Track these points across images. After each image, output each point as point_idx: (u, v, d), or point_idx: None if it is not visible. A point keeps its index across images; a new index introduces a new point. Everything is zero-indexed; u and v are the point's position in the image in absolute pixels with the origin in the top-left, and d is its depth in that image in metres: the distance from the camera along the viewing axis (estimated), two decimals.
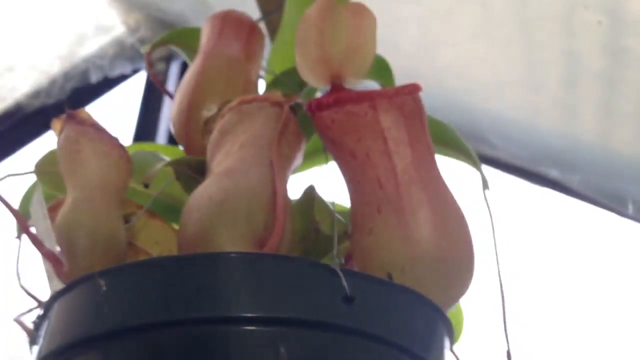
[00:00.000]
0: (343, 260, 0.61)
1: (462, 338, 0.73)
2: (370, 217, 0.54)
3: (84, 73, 1.73)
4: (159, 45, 0.83)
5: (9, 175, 0.66)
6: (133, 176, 0.58)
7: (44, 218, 0.58)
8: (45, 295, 0.67)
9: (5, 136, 1.83)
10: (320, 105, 0.56)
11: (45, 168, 0.70)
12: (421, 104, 0.56)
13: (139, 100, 1.75)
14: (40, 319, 0.53)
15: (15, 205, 0.76)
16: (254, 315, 0.45)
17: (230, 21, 0.72)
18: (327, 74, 0.58)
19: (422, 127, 0.56)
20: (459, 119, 1.37)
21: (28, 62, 1.75)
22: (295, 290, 0.46)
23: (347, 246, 0.61)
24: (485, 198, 0.66)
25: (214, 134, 0.58)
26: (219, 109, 0.61)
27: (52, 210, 0.62)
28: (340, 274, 0.46)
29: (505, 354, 0.56)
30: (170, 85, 1.70)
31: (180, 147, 0.75)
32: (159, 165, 0.59)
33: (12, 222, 0.77)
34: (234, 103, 0.58)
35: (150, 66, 0.81)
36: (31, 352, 0.55)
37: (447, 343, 0.54)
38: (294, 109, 0.62)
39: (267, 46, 0.80)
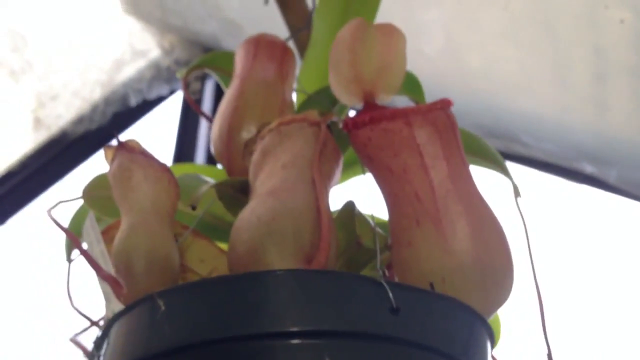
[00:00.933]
0: (383, 272, 0.63)
1: (500, 343, 0.75)
2: (409, 230, 0.56)
3: (124, 97, 1.78)
4: (194, 70, 0.85)
5: (60, 202, 0.68)
6: (180, 199, 0.60)
7: (98, 242, 0.60)
8: (96, 315, 0.70)
9: (53, 163, 1.88)
10: (356, 124, 0.58)
11: (93, 193, 0.72)
12: (453, 119, 0.58)
13: (177, 120, 1.79)
14: (101, 339, 0.55)
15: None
16: (303, 329, 0.47)
17: (263, 45, 0.74)
18: (360, 92, 0.60)
19: (456, 141, 0.58)
20: (490, 121, 1.38)
21: (70, 90, 1.80)
22: (343, 303, 0.48)
23: (387, 257, 0.63)
24: (518, 205, 0.68)
25: (256, 155, 0.60)
26: (258, 131, 0.63)
27: (104, 234, 0.64)
28: (387, 286, 0.48)
29: (547, 358, 0.58)
30: (206, 104, 1.73)
31: (220, 167, 0.77)
32: (205, 188, 0.62)
33: (57, 247, 0.80)
34: (273, 125, 0.61)
35: (186, 90, 0.83)
36: None
37: (489, 349, 0.56)
38: (330, 126, 0.64)
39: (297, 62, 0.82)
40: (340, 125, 0.63)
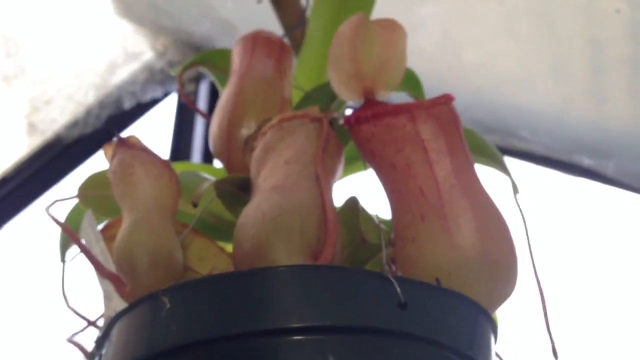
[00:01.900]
0: (389, 267, 0.62)
1: (500, 338, 0.74)
2: (414, 225, 0.54)
3: (118, 100, 1.76)
4: (189, 68, 0.84)
5: (57, 201, 0.66)
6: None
7: (98, 240, 0.59)
8: (92, 315, 0.68)
9: (48, 167, 1.86)
10: (358, 119, 0.57)
11: (88, 192, 0.71)
12: (456, 114, 0.57)
13: (172, 122, 1.78)
14: (102, 338, 0.54)
15: (58, 231, 0.78)
16: (310, 325, 0.46)
17: (260, 41, 0.73)
18: (360, 88, 0.59)
19: (459, 136, 0.56)
20: (487, 115, 1.37)
21: (64, 94, 1.79)
22: (351, 299, 0.47)
23: (389, 253, 0.62)
24: (517, 201, 0.67)
25: (257, 152, 0.59)
26: (259, 127, 0.62)
27: (103, 232, 0.63)
28: (394, 281, 0.47)
29: (552, 352, 0.56)
30: (200, 105, 1.72)
31: (217, 165, 0.76)
32: (206, 185, 0.60)
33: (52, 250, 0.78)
34: (274, 121, 0.59)
35: (181, 87, 0.82)
36: None
37: (493, 343, 0.55)
38: (331, 122, 0.63)
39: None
40: (341, 121, 0.62)
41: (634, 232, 1.45)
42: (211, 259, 0.67)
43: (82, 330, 0.70)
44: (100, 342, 0.54)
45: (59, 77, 1.82)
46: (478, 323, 0.52)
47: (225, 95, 0.70)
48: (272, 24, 1.04)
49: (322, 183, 0.52)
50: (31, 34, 1.75)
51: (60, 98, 1.83)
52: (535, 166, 1.49)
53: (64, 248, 0.77)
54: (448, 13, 1.28)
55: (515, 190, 0.70)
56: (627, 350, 1.35)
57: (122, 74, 1.78)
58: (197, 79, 1.73)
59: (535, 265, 0.61)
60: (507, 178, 0.72)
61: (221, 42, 1.59)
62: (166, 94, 1.78)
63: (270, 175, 0.55)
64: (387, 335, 0.47)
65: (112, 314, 0.54)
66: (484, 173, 0.71)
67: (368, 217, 0.60)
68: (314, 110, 0.60)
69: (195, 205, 0.58)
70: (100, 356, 0.54)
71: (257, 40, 0.73)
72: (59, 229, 0.75)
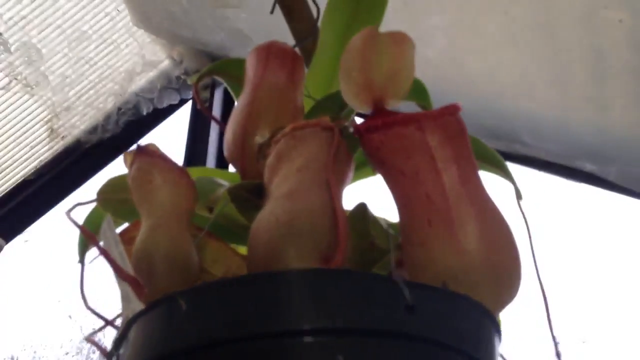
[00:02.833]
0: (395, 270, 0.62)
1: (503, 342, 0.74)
2: (421, 230, 0.55)
3: (136, 107, 1.77)
4: (205, 77, 0.84)
5: (78, 205, 0.67)
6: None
7: (117, 243, 0.59)
8: (110, 315, 0.68)
9: (68, 171, 1.88)
10: (368, 128, 0.57)
11: (108, 195, 0.71)
12: (463, 123, 0.57)
13: (187, 128, 1.79)
14: (120, 338, 0.54)
15: (77, 233, 0.78)
16: (320, 327, 0.46)
17: (274, 52, 0.73)
18: (370, 98, 0.59)
19: (466, 145, 0.57)
20: (491, 122, 1.37)
21: (84, 100, 1.80)
22: (360, 302, 0.47)
23: (396, 257, 0.62)
24: (520, 208, 0.67)
25: (270, 159, 0.59)
26: (272, 135, 0.62)
27: (122, 235, 0.63)
28: (403, 285, 0.47)
29: (555, 355, 0.56)
30: (215, 112, 1.73)
31: (231, 170, 0.76)
32: (221, 190, 0.61)
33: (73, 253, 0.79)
34: (287, 129, 0.60)
35: (197, 95, 0.82)
36: None
37: (497, 346, 0.55)
38: (341, 131, 0.63)
39: None
40: (351, 130, 0.62)
41: (636, 237, 1.45)
42: (225, 261, 0.68)
43: (100, 330, 0.70)
44: (118, 343, 0.55)
45: (79, 84, 1.84)
46: (483, 325, 0.52)
47: (239, 104, 0.70)
48: (285, 34, 1.04)
49: (333, 190, 0.53)
50: (52, 42, 1.77)
51: (80, 104, 1.85)
52: (538, 172, 1.48)
53: (82, 250, 0.77)
54: (453, 24, 1.28)
55: (519, 196, 0.70)
56: (630, 352, 1.34)
57: (140, 82, 1.80)
58: (212, 86, 1.74)
59: (539, 270, 0.62)
60: (511, 184, 0.72)
61: (235, 52, 1.60)
62: (182, 101, 1.80)
63: (283, 182, 0.55)
64: (395, 337, 0.47)
65: (130, 315, 0.54)
66: (489, 180, 0.72)
67: (376, 222, 0.60)
68: (326, 119, 0.60)
69: (210, 211, 0.58)
70: (118, 356, 0.54)
71: (271, 51, 0.73)
72: (78, 232, 0.76)
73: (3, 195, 1.94)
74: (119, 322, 0.66)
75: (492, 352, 0.53)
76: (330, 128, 0.59)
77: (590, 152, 1.40)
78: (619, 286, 1.42)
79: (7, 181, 1.95)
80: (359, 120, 0.64)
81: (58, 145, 1.93)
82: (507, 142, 1.45)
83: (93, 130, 1.84)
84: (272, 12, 1.00)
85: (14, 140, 1.90)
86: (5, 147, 1.91)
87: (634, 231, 1.45)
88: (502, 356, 0.58)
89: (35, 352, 1.66)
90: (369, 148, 0.57)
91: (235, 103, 0.76)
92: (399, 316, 0.47)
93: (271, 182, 0.57)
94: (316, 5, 0.93)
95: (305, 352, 0.45)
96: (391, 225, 0.64)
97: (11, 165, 1.94)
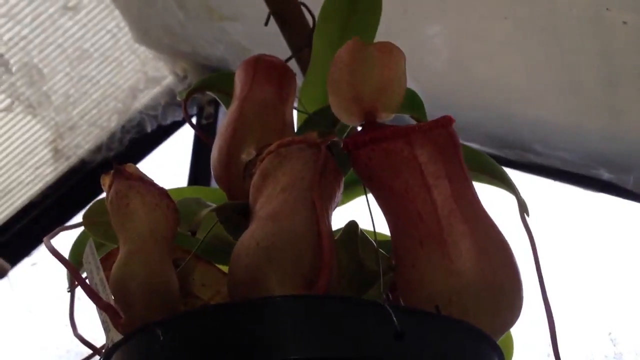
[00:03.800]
0: (387, 295, 0.59)
1: None
2: (413, 251, 0.52)
3: (140, 124, 1.77)
4: (194, 93, 0.83)
5: (61, 230, 0.65)
6: (180, 224, 0.57)
7: (98, 270, 0.57)
8: (98, 343, 0.66)
9: (74, 192, 1.87)
10: (356, 144, 0.55)
11: (94, 218, 0.69)
12: (456, 136, 0.55)
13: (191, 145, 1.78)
14: None
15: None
16: (304, 357, 0.44)
17: (262, 66, 0.71)
18: (360, 111, 0.57)
19: (458, 159, 0.54)
20: (501, 131, 1.34)
21: (87, 120, 1.80)
22: (345, 329, 0.45)
23: (391, 278, 0.60)
24: (524, 222, 0.64)
25: (255, 178, 0.57)
26: (258, 153, 0.60)
27: (104, 261, 0.61)
28: (390, 311, 0.45)
29: None
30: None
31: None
32: (204, 213, 0.59)
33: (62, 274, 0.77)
34: (272, 147, 0.57)
35: (186, 111, 0.80)
36: None
37: None
38: (330, 147, 0.61)
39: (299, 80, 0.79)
40: (341, 145, 0.60)
41: None
42: (214, 285, 0.66)
43: (88, 358, 0.69)
44: None
45: (82, 104, 1.83)
46: (479, 351, 0.49)
47: (225, 120, 0.68)
48: (283, 45, 1.03)
49: (318, 210, 0.50)
50: (54, 61, 1.77)
51: (83, 124, 1.84)
52: (553, 181, 1.44)
53: (71, 277, 0.75)
54: (456, 31, 1.26)
55: (524, 209, 0.67)
56: None
57: (144, 99, 1.79)
58: (216, 102, 1.73)
59: (545, 287, 0.59)
60: (515, 197, 0.69)
61: (235, 64, 1.59)
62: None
63: (267, 203, 0.53)
64: None
65: (110, 344, 0.53)
66: (496, 192, 0.69)
67: (367, 242, 0.58)
68: (312, 135, 0.58)
69: (193, 234, 0.56)
70: None
71: (258, 65, 0.71)
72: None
73: (9, 219, 1.94)
74: None
75: None
76: (317, 144, 0.56)
77: (605, 160, 1.36)
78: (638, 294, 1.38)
79: (12, 204, 1.94)
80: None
81: (63, 166, 1.92)
82: (518, 151, 1.41)
83: (97, 149, 1.83)
84: (266, 24, 0.98)
85: (18, 162, 1.89)
86: (10, 169, 1.90)
87: None
88: None
89: None
90: (357, 164, 0.55)
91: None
92: (387, 343, 0.45)
93: (255, 203, 0.55)
94: (312, 15, 0.91)
95: None
96: (386, 242, 0.61)
97: (16, 187, 1.93)
